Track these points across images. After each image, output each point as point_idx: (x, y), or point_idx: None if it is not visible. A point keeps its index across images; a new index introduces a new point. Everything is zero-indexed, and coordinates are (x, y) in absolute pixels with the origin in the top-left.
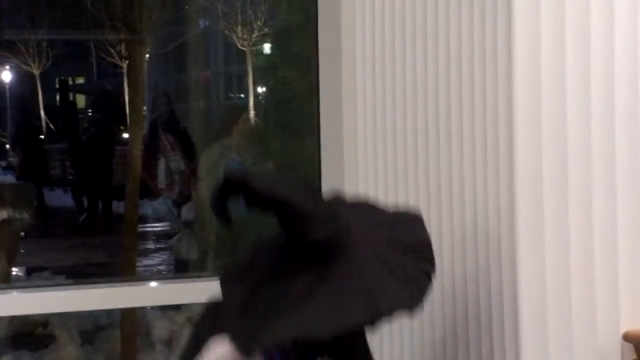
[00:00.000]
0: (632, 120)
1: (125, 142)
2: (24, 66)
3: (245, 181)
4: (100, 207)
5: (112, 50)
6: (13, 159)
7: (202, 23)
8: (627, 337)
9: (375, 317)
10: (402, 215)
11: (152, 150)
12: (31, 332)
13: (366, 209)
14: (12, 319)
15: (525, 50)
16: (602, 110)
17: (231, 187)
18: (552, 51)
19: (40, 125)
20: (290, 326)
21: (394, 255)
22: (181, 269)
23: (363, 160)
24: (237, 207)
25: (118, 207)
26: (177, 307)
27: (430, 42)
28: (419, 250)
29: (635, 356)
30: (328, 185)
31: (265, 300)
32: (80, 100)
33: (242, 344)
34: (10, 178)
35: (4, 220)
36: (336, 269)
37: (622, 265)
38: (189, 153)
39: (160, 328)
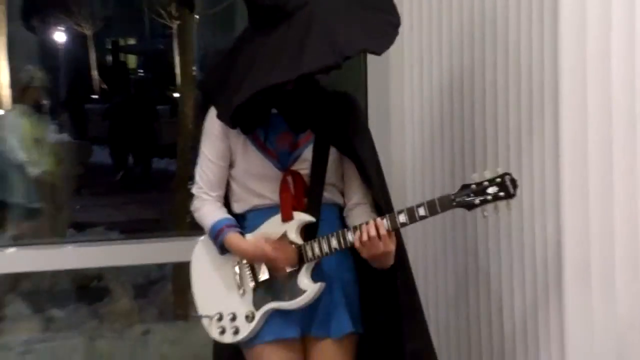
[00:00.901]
0: None
1: (176, 101)
2: (76, 27)
3: None
4: (139, 164)
5: (163, 11)
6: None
7: None
8: None
9: (338, 57)
10: None
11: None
12: (86, 285)
13: None
14: (68, 272)
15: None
16: None
17: None
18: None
19: (92, 85)
20: (254, 81)
21: (359, 12)
22: None
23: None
24: None
25: (158, 164)
26: None
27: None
28: (382, 7)
29: None
30: None
31: (236, 72)
32: (132, 61)
33: (221, 112)
34: (63, 137)
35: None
36: (293, 23)
37: None
38: None
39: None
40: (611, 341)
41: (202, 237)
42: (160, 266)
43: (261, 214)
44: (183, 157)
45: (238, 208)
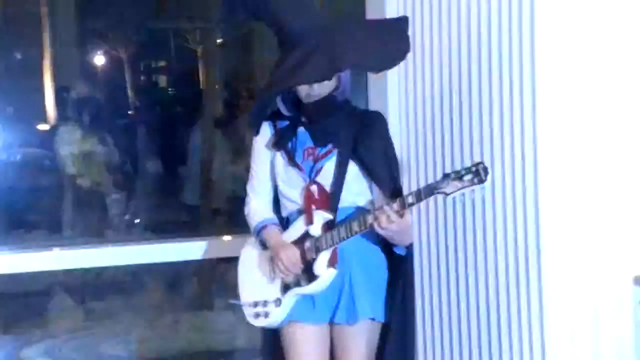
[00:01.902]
0: None
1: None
2: (112, 52)
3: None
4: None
5: (188, 36)
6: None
7: None
8: (638, 281)
9: (330, 71)
10: (387, 21)
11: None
12: (122, 280)
13: (354, 20)
14: (107, 268)
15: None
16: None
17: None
18: None
19: (128, 102)
20: (269, 86)
21: (369, 37)
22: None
23: None
24: None
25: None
26: None
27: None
28: (392, 35)
29: None
30: None
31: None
32: (162, 80)
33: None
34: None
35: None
36: (308, 46)
37: (636, 219)
38: None
39: (231, 276)
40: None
41: (249, 239)
42: (187, 263)
43: (296, 217)
44: (207, 164)
45: (283, 212)
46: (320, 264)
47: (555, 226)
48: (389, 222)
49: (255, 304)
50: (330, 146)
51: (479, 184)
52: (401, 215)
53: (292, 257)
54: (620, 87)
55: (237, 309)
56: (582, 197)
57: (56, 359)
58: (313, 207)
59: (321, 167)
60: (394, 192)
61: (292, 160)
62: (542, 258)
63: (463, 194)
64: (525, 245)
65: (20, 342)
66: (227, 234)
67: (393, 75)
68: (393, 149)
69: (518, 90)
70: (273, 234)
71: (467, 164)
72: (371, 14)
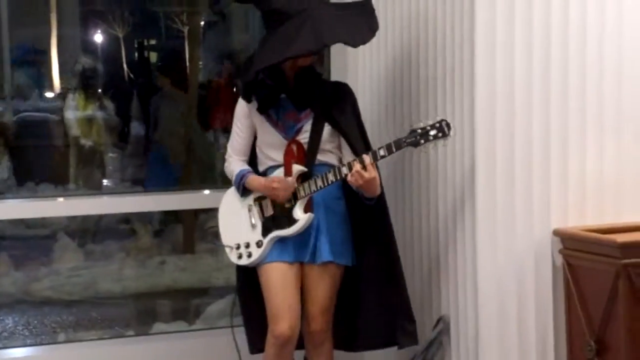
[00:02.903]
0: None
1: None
2: (111, 31)
3: None
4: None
5: (176, 19)
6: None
7: None
8: (556, 232)
9: (317, 46)
10: (356, 2)
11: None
12: (116, 227)
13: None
14: (103, 216)
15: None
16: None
17: None
18: None
19: (124, 75)
20: (250, 67)
21: (343, 15)
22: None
23: None
24: None
25: None
26: None
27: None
28: (363, 14)
29: (561, 246)
30: None
31: (252, 61)
32: (152, 57)
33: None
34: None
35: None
36: (291, 23)
37: (554, 178)
38: None
39: (210, 224)
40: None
41: (228, 190)
42: (172, 212)
43: (273, 171)
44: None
45: (260, 168)
46: (299, 210)
47: (487, 185)
48: (360, 174)
49: (238, 246)
50: (308, 110)
51: (443, 137)
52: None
53: (284, 183)
54: (535, 71)
55: (215, 252)
56: (510, 163)
57: (60, 293)
58: (292, 161)
59: (301, 127)
60: (363, 148)
61: (274, 122)
62: (477, 214)
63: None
64: (459, 200)
65: (29, 278)
66: (206, 188)
67: (352, 50)
68: (360, 114)
69: (459, 63)
70: (255, 178)
71: (429, 121)
72: None
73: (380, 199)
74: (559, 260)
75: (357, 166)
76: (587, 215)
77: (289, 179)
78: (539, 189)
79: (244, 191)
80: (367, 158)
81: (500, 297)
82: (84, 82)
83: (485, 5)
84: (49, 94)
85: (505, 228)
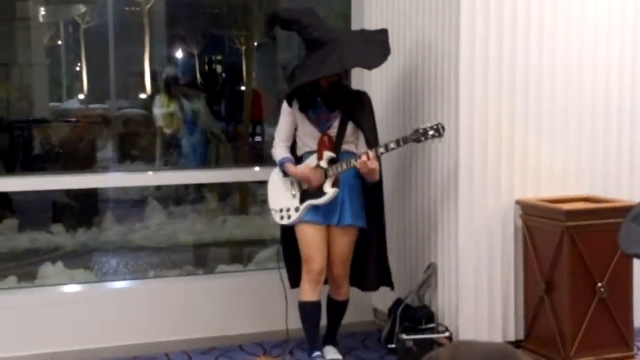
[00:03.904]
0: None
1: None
2: (188, 49)
3: (277, 12)
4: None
5: (237, 40)
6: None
7: None
8: (518, 202)
9: (340, 68)
10: (375, 31)
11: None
12: (191, 194)
13: (352, 31)
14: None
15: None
16: None
17: (272, 16)
18: None
19: (197, 82)
20: (294, 81)
21: (364, 44)
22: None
23: None
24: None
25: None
26: None
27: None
28: (379, 43)
29: (521, 212)
30: None
31: (296, 74)
32: (218, 68)
33: (287, 96)
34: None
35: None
36: (324, 50)
37: (517, 164)
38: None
39: (259, 193)
40: (486, 222)
41: (274, 169)
42: (231, 183)
43: (309, 156)
44: (245, 124)
45: (299, 152)
46: (328, 185)
47: (467, 167)
48: (365, 164)
49: (280, 210)
50: (337, 111)
51: (439, 136)
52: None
53: (310, 172)
54: (505, 85)
55: (263, 214)
56: (484, 153)
57: (149, 242)
58: (324, 149)
59: (331, 124)
60: (374, 142)
61: (311, 119)
62: (459, 189)
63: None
64: (447, 179)
65: (127, 230)
66: (258, 165)
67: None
68: (374, 115)
69: (447, 78)
70: (290, 166)
71: (428, 124)
72: (355, 25)
73: (379, 182)
74: (520, 222)
75: (363, 157)
76: (541, 189)
77: (319, 171)
78: (506, 171)
79: (285, 173)
80: (371, 152)
81: (475, 249)
82: (167, 86)
83: (468, 35)
84: (142, 95)
85: (480, 199)
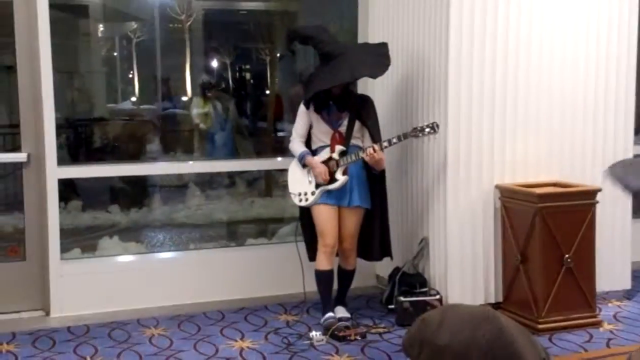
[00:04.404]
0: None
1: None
2: (222, 59)
3: (296, 29)
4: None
5: (262, 52)
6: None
7: None
8: (497, 187)
9: (351, 78)
10: (378, 45)
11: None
12: (224, 179)
13: (358, 45)
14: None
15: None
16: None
17: (292, 32)
18: None
19: (229, 87)
20: (310, 89)
21: (369, 56)
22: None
23: None
24: None
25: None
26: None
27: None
28: (381, 55)
29: (500, 195)
30: None
31: (313, 81)
32: (247, 76)
33: (305, 101)
34: (213, 111)
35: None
36: (336, 61)
37: (497, 155)
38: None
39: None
40: (470, 204)
41: (293, 160)
42: (259, 171)
43: (323, 149)
44: (271, 120)
45: (313, 146)
46: (339, 173)
47: (454, 158)
48: (373, 155)
49: (299, 194)
50: (346, 112)
51: (434, 133)
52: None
53: (323, 169)
54: (486, 89)
55: (284, 196)
56: (469, 146)
57: (190, 220)
58: (336, 143)
59: (342, 122)
60: (379, 137)
61: (325, 119)
62: (447, 176)
63: (423, 138)
64: (437, 167)
65: (172, 210)
66: (280, 156)
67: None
68: (377, 115)
69: (437, 85)
70: (310, 158)
71: (425, 122)
72: (361, 39)
73: (383, 172)
74: (499, 204)
75: (370, 150)
76: (517, 176)
77: (326, 168)
78: (487, 161)
79: (304, 165)
80: (377, 145)
81: (461, 226)
82: (202, 91)
83: (455, 48)
84: (184, 98)
85: (465, 184)
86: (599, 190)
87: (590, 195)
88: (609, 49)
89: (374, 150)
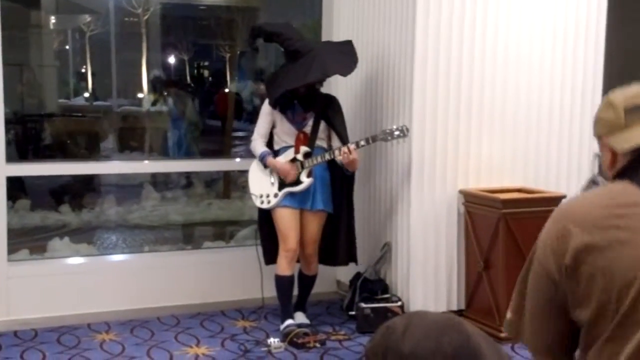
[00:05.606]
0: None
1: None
2: (180, 55)
3: (261, 26)
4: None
5: (222, 49)
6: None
7: None
8: (460, 192)
9: (323, 76)
10: (343, 43)
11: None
12: (180, 179)
13: (325, 43)
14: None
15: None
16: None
17: (256, 29)
18: None
19: (187, 84)
20: (277, 88)
21: (338, 54)
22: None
23: None
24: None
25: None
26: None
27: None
28: (349, 53)
29: (464, 200)
30: None
31: (278, 80)
32: (206, 73)
33: (269, 99)
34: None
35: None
36: (305, 59)
37: (461, 159)
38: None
39: (240, 180)
40: (434, 208)
41: (254, 160)
42: (218, 172)
43: (286, 150)
44: (229, 119)
45: (276, 146)
46: (304, 175)
47: (418, 162)
48: (347, 155)
49: (261, 195)
50: (311, 112)
51: (403, 137)
52: (351, 152)
53: (289, 168)
54: (452, 93)
55: (243, 198)
56: (433, 149)
57: (145, 221)
58: (300, 144)
59: (306, 123)
60: (347, 139)
61: (289, 119)
62: (411, 180)
63: (392, 141)
64: (402, 170)
65: (126, 211)
66: (239, 157)
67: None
68: (344, 115)
69: (403, 86)
70: (271, 159)
71: (395, 125)
72: (325, 37)
73: (352, 174)
74: (462, 209)
75: (345, 150)
76: (481, 181)
77: (293, 166)
78: (451, 165)
79: (265, 165)
80: (352, 145)
81: (424, 231)
82: (159, 87)
83: (421, 48)
84: (140, 95)
85: (429, 188)
86: (564, 196)
87: (554, 201)
88: (576, 52)
89: (349, 150)
